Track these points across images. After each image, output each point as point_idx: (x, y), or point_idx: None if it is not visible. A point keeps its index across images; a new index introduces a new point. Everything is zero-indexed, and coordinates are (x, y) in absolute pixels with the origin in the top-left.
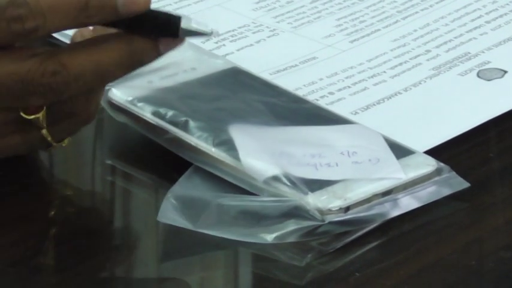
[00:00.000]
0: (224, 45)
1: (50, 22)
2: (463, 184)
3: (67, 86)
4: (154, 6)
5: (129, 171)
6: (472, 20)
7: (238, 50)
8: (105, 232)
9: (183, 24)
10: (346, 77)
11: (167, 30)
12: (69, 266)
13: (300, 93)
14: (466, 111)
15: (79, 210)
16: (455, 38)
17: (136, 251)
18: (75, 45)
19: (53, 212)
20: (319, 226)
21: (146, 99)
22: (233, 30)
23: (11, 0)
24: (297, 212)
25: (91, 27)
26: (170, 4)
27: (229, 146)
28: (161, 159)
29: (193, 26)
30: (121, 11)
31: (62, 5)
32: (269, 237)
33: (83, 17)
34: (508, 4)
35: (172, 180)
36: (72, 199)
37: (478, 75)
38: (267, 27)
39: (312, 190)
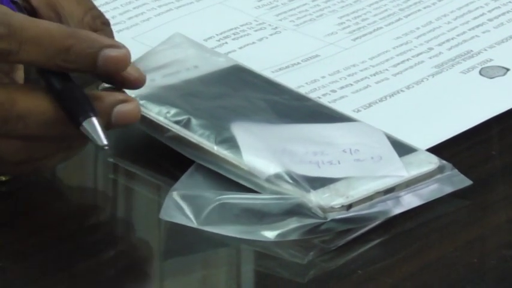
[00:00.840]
0: (226, 43)
1: (24, 52)
2: (465, 182)
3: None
4: (152, 5)
5: (131, 169)
6: (475, 18)
7: (240, 48)
8: (108, 230)
9: (86, 122)
10: (349, 75)
11: (74, 113)
12: (71, 264)
13: (302, 91)
14: (468, 109)
15: (81, 208)
16: (458, 35)
17: (139, 249)
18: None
19: (54, 211)
20: (322, 224)
21: (148, 97)
22: (235, 28)
23: None
24: (299, 210)
25: None
26: (172, 2)
27: (231, 143)
28: (163, 157)
29: (90, 131)
30: (99, 67)
31: (44, 40)
32: (271, 235)
33: (60, 60)
34: (510, 2)
35: (175, 178)
36: (74, 197)
37: (480, 73)
38: (269, 25)
39: (314, 188)
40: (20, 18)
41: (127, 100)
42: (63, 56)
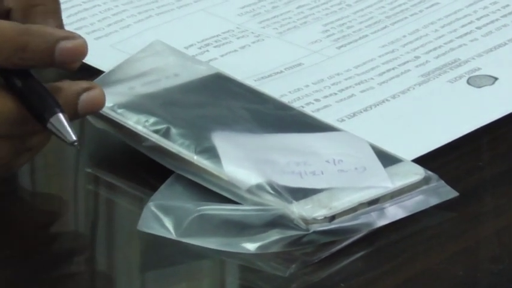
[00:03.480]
0: (208, 50)
1: None
2: (452, 193)
3: None
4: (132, 12)
5: (109, 179)
6: (463, 26)
7: (222, 56)
8: (84, 241)
9: (52, 119)
10: (333, 84)
11: (39, 111)
12: (44, 276)
13: (285, 100)
14: (456, 119)
15: (57, 218)
16: (445, 44)
17: (116, 261)
18: None
19: (29, 221)
20: (304, 236)
21: (127, 106)
22: (217, 36)
23: None
24: (281, 221)
25: None
26: (152, 9)
27: (211, 153)
28: (142, 167)
29: (58, 127)
30: (57, 60)
31: None
32: (252, 247)
33: (17, 58)
34: (499, 10)
35: (153, 189)
36: (50, 208)
37: (468, 82)
38: (252, 32)
39: (297, 199)
40: None
41: (91, 87)
42: (20, 54)
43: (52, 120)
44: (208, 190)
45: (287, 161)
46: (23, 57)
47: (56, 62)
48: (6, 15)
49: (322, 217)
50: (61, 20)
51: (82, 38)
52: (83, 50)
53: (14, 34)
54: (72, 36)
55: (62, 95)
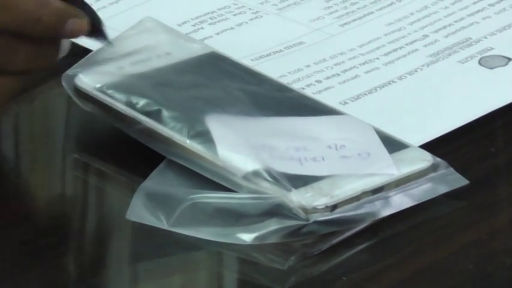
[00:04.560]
0: (202, 28)
1: None
2: (462, 181)
3: None
4: None
5: (97, 165)
6: (474, 3)
7: (217, 34)
8: (71, 231)
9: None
10: (335, 64)
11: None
12: (31, 266)
13: (284, 81)
14: (466, 102)
15: (43, 207)
16: (456, 22)
17: (105, 252)
18: None
19: (14, 209)
20: (303, 226)
21: (116, 87)
22: (212, 12)
23: None
24: (279, 211)
25: None
26: None
27: (205, 138)
28: (132, 152)
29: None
30: (61, 36)
31: (14, 8)
32: (248, 238)
33: (27, 29)
34: None
35: (144, 175)
36: (35, 195)
37: (479, 63)
38: (250, 9)
39: (296, 186)
40: None
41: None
42: (31, 26)
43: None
44: (201, 177)
45: (286, 146)
46: (33, 29)
47: (59, 37)
48: None
49: (323, 206)
50: None
51: (87, 17)
52: (85, 30)
53: (33, 7)
54: (79, 15)
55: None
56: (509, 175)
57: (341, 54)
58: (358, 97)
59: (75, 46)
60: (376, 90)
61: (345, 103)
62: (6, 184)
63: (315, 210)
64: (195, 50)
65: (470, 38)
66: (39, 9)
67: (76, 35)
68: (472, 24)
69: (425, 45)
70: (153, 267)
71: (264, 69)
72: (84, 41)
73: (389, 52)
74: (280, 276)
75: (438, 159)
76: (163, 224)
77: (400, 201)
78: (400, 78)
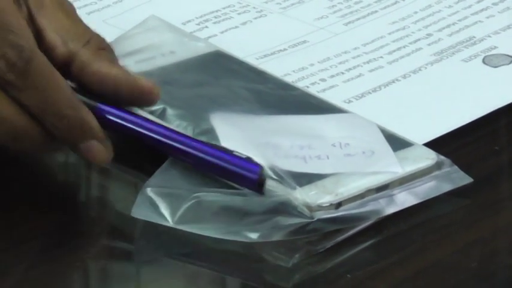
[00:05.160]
0: (207, 27)
1: (25, 95)
2: (466, 179)
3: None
4: None
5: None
6: (478, 2)
7: (222, 33)
8: (77, 228)
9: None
10: (340, 63)
11: None
12: (36, 264)
13: (288, 79)
14: (470, 100)
15: (46, 206)
16: (459, 20)
17: (110, 249)
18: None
19: (16, 210)
20: (308, 224)
21: None
22: (217, 11)
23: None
24: (283, 208)
25: None
26: None
27: (210, 136)
28: (136, 150)
29: None
30: (74, 151)
31: (48, 97)
32: (253, 236)
33: (48, 121)
34: None
35: (148, 173)
36: (42, 193)
37: (483, 62)
38: (254, 7)
39: (300, 184)
40: (40, 60)
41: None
42: (53, 120)
43: None
44: (206, 175)
45: (290, 145)
46: (53, 124)
47: (71, 149)
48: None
49: (328, 204)
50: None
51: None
52: (103, 160)
53: (63, 99)
54: (103, 139)
55: None
56: None
57: (345, 52)
58: (362, 95)
59: None
60: (380, 89)
61: (349, 101)
62: (8, 184)
63: (319, 208)
64: (199, 49)
65: (474, 37)
66: (67, 109)
67: (90, 160)
68: (475, 23)
69: (429, 44)
70: (156, 264)
71: (269, 67)
72: None
73: (394, 51)
74: (285, 273)
75: (442, 157)
76: (168, 221)
77: (404, 199)
78: (404, 76)
